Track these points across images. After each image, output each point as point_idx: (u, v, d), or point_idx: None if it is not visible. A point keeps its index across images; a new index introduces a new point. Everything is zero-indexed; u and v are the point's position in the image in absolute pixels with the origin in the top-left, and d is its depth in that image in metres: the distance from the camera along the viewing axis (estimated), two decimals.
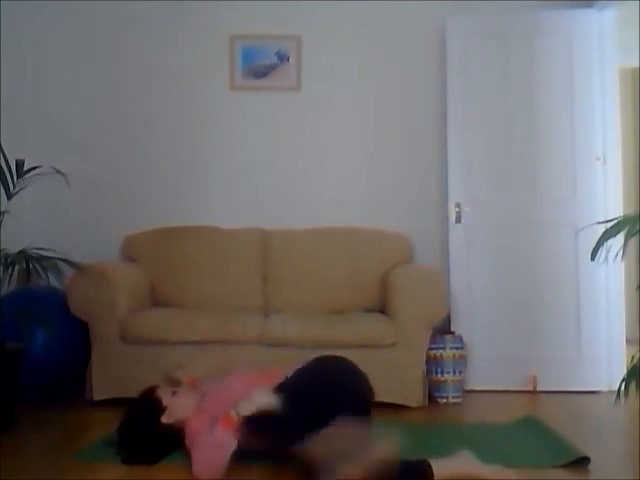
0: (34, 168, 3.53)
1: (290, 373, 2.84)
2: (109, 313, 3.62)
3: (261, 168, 4.44)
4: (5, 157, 3.49)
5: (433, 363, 3.83)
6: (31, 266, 3.41)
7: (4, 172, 3.48)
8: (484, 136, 4.16)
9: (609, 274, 3.97)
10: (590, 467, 2.65)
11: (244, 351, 3.58)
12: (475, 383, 3.97)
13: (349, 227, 4.26)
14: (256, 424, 2.58)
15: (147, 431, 2.74)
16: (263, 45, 4.42)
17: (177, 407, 2.78)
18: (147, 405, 2.81)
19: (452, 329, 3.99)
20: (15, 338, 3.38)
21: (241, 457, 2.60)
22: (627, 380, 2.68)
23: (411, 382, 3.55)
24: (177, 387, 2.91)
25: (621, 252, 2.73)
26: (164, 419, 2.75)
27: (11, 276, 3.46)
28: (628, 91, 5.11)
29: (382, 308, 3.95)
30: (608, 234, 2.75)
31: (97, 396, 3.61)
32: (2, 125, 4.16)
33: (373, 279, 4.08)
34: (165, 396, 2.81)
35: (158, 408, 2.77)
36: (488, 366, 4.00)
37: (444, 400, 3.78)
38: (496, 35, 4.16)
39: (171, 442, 2.75)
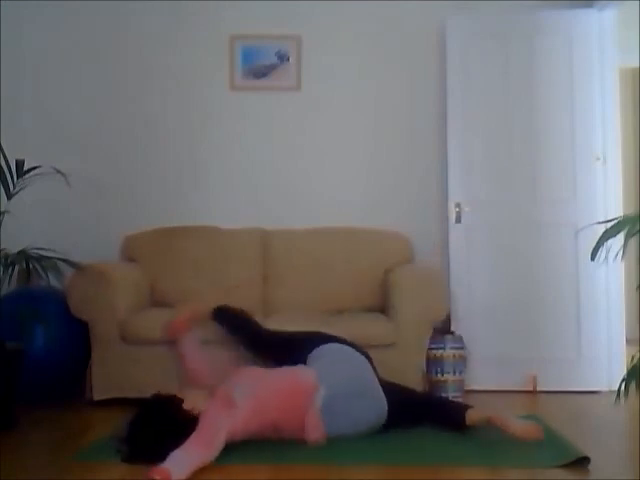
0: (34, 168, 3.52)
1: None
2: (109, 313, 3.62)
3: (261, 168, 4.44)
4: (5, 157, 3.49)
5: (433, 363, 3.83)
6: (31, 266, 3.41)
7: (4, 172, 3.47)
8: (484, 136, 4.16)
9: (609, 274, 3.97)
10: (590, 467, 2.64)
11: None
12: (475, 383, 3.97)
13: (349, 227, 4.26)
14: None
15: (168, 419, 2.71)
16: (263, 45, 4.42)
17: (192, 396, 2.82)
18: (164, 397, 2.82)
19: (452, 329, 3.99)
20: (15, 338, 3.38)
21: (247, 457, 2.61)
22: (627, 380, 2.68)
23: (411, 382, 3.53)
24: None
25: (621, 252, 2.73)
26: (186, 405, 2.76)
27: (11, 276, 3.46)
28: (628, 91, 5.12)
29: (382, 308, 3.95)
30: (608, 234, 2.75)
31: (97, 396, 3.61)
32: (2, 125, 4.15)
33: (373, 279, 4.08)
34: (176, 391, 2.86)
35: (176, 399, 2.80)
36: (488, 366, 4.00)
37: None
38: (496, 35, 4.16)
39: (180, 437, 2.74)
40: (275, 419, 2.83)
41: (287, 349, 3.18)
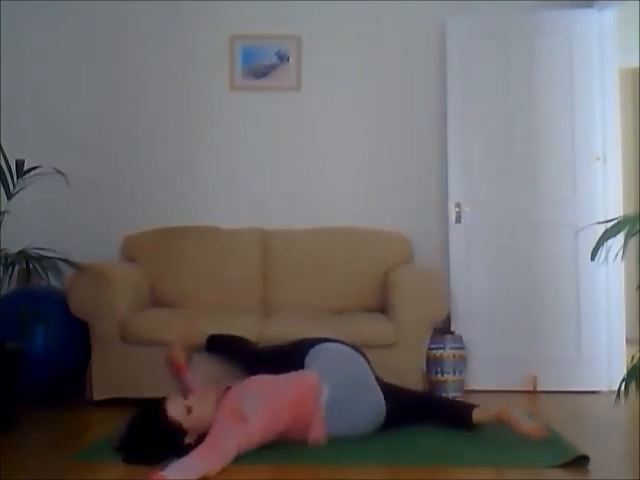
0: (34, 168, 3.52)
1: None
2: (109, 313, 3.61)
3: (261, 168, 4.44)
4: (5, 157, 3.49)
5: (433, 363, 3.83)
6: (31, 266, 3.41)
7: (4, 172, 3.48)
8: (484, 136, 4.15)
9: (609, 274, 3.97)
10: (590, 467, 2.64)
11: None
12: (475, 383, 3.97)
13: (349, 227, 4.26)
14: None
15: (171, 452, 2.61)
16: (263, 45, 4.42)
17: (198, 424, 2.72)
18: (167, 430, 2.69)
19: (452, 329, 3.99)
20: (15, 338, 3.38)
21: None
22: (627, 380, 2.68)
23: (411, 382, 3.54)
24: (187, 391, 2.92)
25: (621, 252, 2.73)
26: (188, 440, 2.70)
27: (11, 276, 3.46)
28: (628, 91, 5.11)
29: (382, 308, 3.95)
30: (608, 234, 2.75)
31: (97, 396, 3.61)
32: (2, 125, 4.15)
33: (373, 279, 4.08)
34: (182, 417, 2.72)
35: (180, 433, 2.70)
36: (488, 366, 4.00)
37: None
38: (496, 35, 4.16)
39: (174, 442, 2.72)
40: (285, 426, 2.81)
41: (284, 359, 3.15)
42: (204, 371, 3.42)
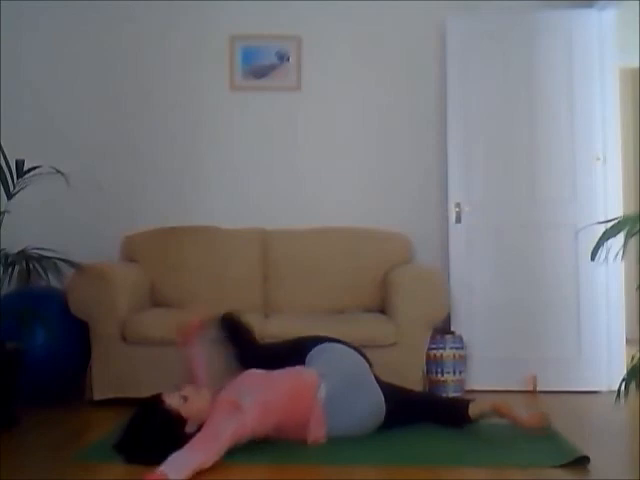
0: (34, 168, 3.53)
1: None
2: (109, 313, 3.61)
3: (261, 168, 4.44)
4: (5, 157, 3.49)
5: (433, 363, 3.83)
6: (31, 266, 3.42)
7: (4, 172, 3.48)
8: (484, 136, 4.15)
9: (609, 274, 3.97)
10: (590, 467, 2.65)
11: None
12: (475, 383, 3.97)
13: (349, 227, 4.26)
14: None
15: (173, 444, 2.59)
16: (263, 45, 4.42)
17: (196, 413, 2.74)
18: (167, 418, 2.71)
19: (452, 329, 4.00)
20: (15, 338, 3.38)
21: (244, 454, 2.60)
22: (627, 380, 2.68)
23: (411, 382, 3.54)
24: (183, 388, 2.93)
25: (621, 252, 2.73)
26: (189, 429, 2.70)
27: (11, 276, 3.46)
28: (628, 91, 5.11)
29: (382, 308, 3.95)
30: (608, 234, 2.75)
31: (97, 396, 3.61)
32: (2, 125, 4.16)
33: (373, 279, 4.08)
34: (180, 406, 2.74)
35: (180, 420, 2.71)
36: (488, 366, 4.00)
37: None
38: (496, 35, 4.16)
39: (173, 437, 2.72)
40: (282, 420, 2.82)
41: (285, 358, 3.16)
42: (209, 356, 3.41)
